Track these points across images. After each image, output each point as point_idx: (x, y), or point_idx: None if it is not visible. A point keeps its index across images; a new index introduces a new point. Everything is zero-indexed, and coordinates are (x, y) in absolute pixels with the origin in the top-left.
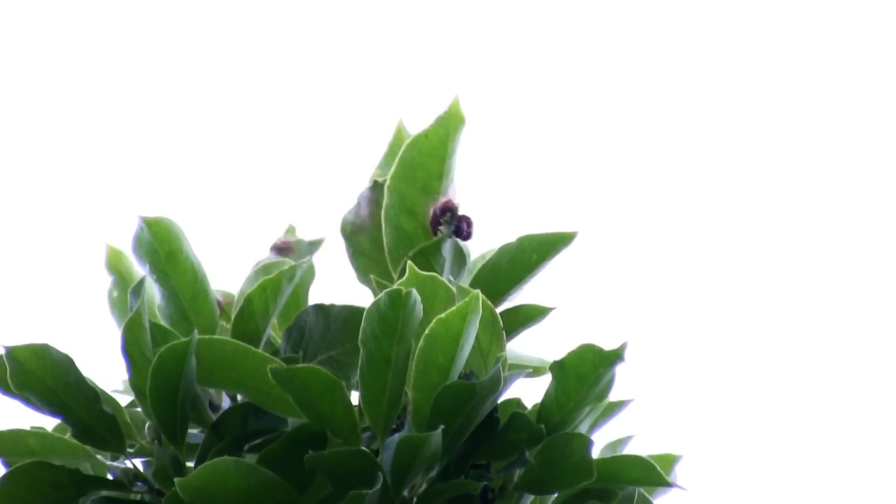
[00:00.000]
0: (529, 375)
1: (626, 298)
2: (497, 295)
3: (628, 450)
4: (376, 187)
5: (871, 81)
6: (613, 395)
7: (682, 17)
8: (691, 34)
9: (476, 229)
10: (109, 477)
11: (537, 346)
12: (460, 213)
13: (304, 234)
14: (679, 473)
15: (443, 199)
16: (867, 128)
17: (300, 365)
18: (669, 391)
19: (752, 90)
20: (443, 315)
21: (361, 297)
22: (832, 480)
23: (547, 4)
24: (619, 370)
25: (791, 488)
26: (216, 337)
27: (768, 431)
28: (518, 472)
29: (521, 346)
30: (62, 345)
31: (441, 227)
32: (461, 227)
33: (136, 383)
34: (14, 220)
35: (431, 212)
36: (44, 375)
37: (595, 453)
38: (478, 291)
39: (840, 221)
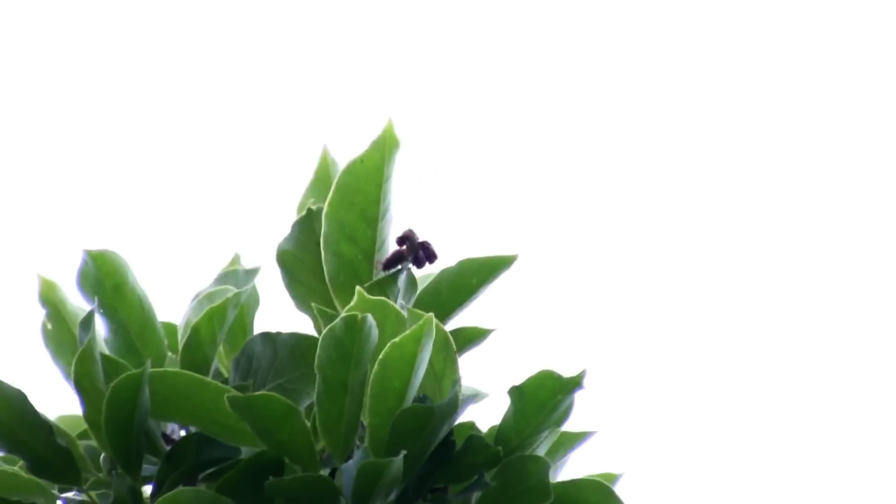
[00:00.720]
0: (480, 399)
1: (572, 319)
2: (439, 318)
3: (568, 467)
4: (310, 215)
5: (872, 81)
6: (575, 425)
7: (640, 16)
8: (650, 34)
9: (437, 259)
10: None
11: (478, 369)
12: (426, 246)
13: (243, 263)
14: (619, 492)
15: (405, 231)
16: (867, 128)
17: (258, 393)
18: (621, 409)
19: (723, 87)
20: (397, 339)
21: (302, 324)
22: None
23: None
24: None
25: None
26: (169, 370)
27: (736, 446)
28: (476, 496)
29: (467, 367)
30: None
31: (393, 267)
32: (419, 256)
33: (89, 416)
34: None
35: (386, 258)
36: None
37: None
38: (431, 314)
39: (826, 225)
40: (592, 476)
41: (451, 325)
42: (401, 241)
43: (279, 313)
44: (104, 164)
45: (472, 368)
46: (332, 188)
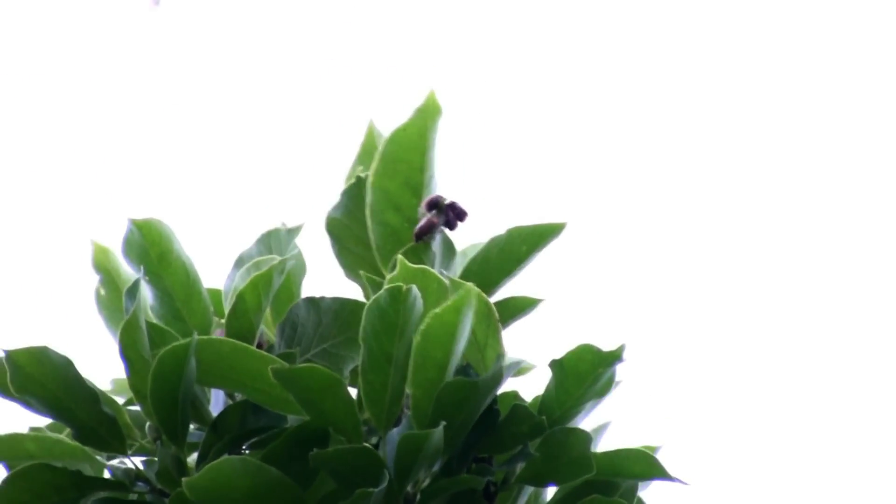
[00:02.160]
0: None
1: (614, 292)
2: (488, 287)
3: (605, 437)
4: (359, 183)
5: (872, 81)
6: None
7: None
8: (675, 26)
9: (467, 216)
10: (111, 479)
11: (526, 339)
12: (455, 206)
13: (284, 223)
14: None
15: (427, 198)
16: (867, 128)
17: (301, 365)
18: (656, 384)
19: (739, 81)
20: (437, 310)
21: (350, 291)
22: (827, 477)
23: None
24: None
25: (786, 483)
26: (214, 337)
27: (758, 427)
28: (520, 465)
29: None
30: (59, 346)
31: (426, 236)
32: (449, 217)
33: (135, 385)
34: (3, 221)
35: (418, 228)
36: (43, 378)
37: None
38: (471, 284)
39: (839, 218)
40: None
41: (500, 295)
42: (430, 206)
43: (329, 281)
44: (155, 132)
45: (520, 337)
46: (377, 157)
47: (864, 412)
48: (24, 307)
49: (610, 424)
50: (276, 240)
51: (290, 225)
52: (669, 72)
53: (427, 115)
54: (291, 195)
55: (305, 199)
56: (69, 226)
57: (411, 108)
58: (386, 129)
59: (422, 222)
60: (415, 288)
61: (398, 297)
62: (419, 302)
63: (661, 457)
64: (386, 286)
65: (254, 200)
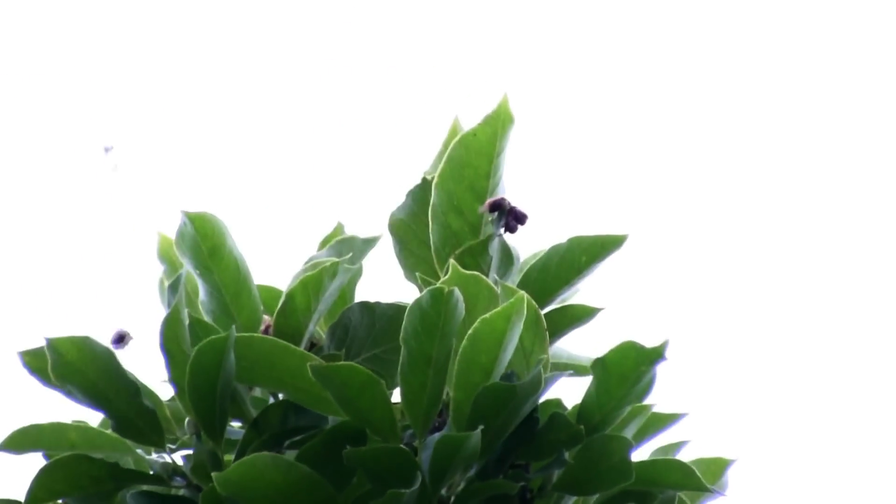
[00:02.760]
0: (578, 375)
1: (674, 301)
2: (546, 295)
3: (681, 456)
4: (425, 185)
5: (872, 81)
6: (667, 406)
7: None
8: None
9: (527, 220)
10: (149, 471)
11: (586, 346)
12: (515, 210)
13: (359, 232)
14: (730, 478)
15: (490, 199)
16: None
17: (340, 363)
18: (716, 394)
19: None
20: (487, 315)
21: (408, 294)
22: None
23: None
24: (666, 373)
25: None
26: (255, 335)
27: (818, 434)
28: (557, 473)
29: (573, 345)
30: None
31: (490, 220)
32: (510, 222)
33: (175, 378)
34: (66, 214)
35: (490, 202)
36: (84, 368)
37: (644, 457)
38: (523, 293)
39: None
40: (703, 459)
41: (558, 302)
42: (492, 208)
43: (385, 283)
44: (223, 127)
45: (584, 346)
46: (444, 159)
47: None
48: (83, 300)
49: (688, 443)
50: (349, 247)
51: (361, 233)
52: (730, 94)
53: (498, 123)
54: (363, 195)
55: (378, 198)
56: (134, 218)
57: (483, 113)
58: (467, 126)
59: (493, 199)
60: (457, 290)
61: (440, 299)
62: (461, 304)
63: (733, 471)
64: (437, 285)
65: (320, 202)
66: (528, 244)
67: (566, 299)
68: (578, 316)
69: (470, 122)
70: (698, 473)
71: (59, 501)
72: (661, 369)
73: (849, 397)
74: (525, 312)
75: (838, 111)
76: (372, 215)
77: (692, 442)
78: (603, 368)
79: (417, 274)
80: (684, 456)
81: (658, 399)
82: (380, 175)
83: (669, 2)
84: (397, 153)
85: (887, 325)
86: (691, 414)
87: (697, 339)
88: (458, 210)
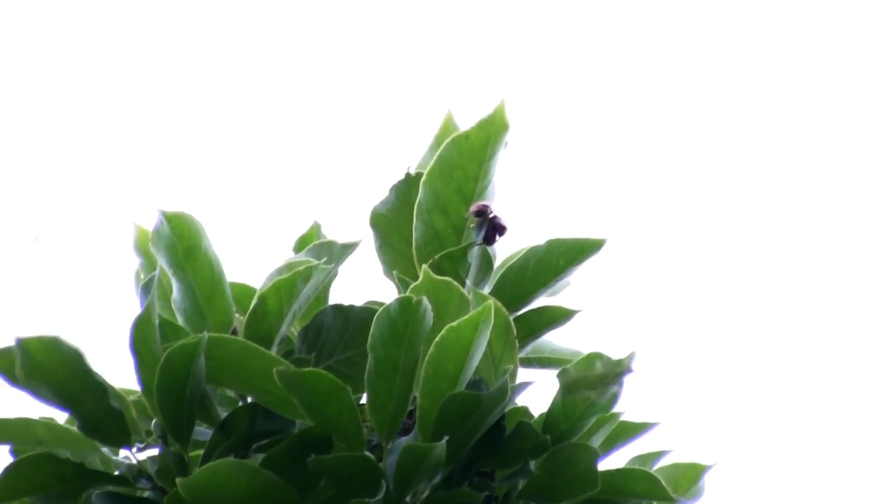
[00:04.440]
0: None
1: (650, 306)
2: (522, 297)
3: (659, 462)
4: (409, 180)
5: (872, 81)
6: (642, 413)
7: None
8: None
9: (507, 232)
10: (115, 472)
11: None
12: (497, 220)
13: (338, 236)
14: (707, 483)
15: (475, 204)
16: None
17: (306, 369)
18: (695, 400)
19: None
20: (454, 323)
21: (384, 291)
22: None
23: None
24: (644, 379)
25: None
26: (225, 336)
27: (797, 439)
28: (522, 481)
29: (557, 338)
30: (73, 337)
31: (472, 227)
32: (489, 233)
33: (143, 380)
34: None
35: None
36: (53, 368)
37: (619, 466)
38: (491, 300)
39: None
40: (679, 464)
41: (535, 304)
42: (477, 213)
43: (361, 278)
44: (201, 125)
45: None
46: (434, 157)
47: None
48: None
49: (669, 453)
50: (327, 251)
51: (340, 237)
52: (720, 104)
53: (492, 128)
54: (345, 189)
55: (359, 192)
56: (109, 215)
57: (478, 117)
58: (463, 123)
59: (478, 204)
60: (425, 299)
61: (408, 308)
62: (429, 313)
63: (709, 477)
64: (405, 294)
65: (298, 201)
66: (508, 244)
67: (556, 291)
68: (556, 317)
69: (460, 119)
70: (664, 483)
71: (25, 499)
72: (637, 376)
73: (826, 401)
74: (493, 320)
75: (824, 125)
76: (352, 212)
77: (672, 451)
78: (569, 378)
79: (395, 273)
80: (662, 462)
81: (635, 406)
82: (362, 171)
83: (654, 16)
84: (378, 148)
85: (861, 330)
86: (669, 419)
87: (679, 344)
88: (444, 210)
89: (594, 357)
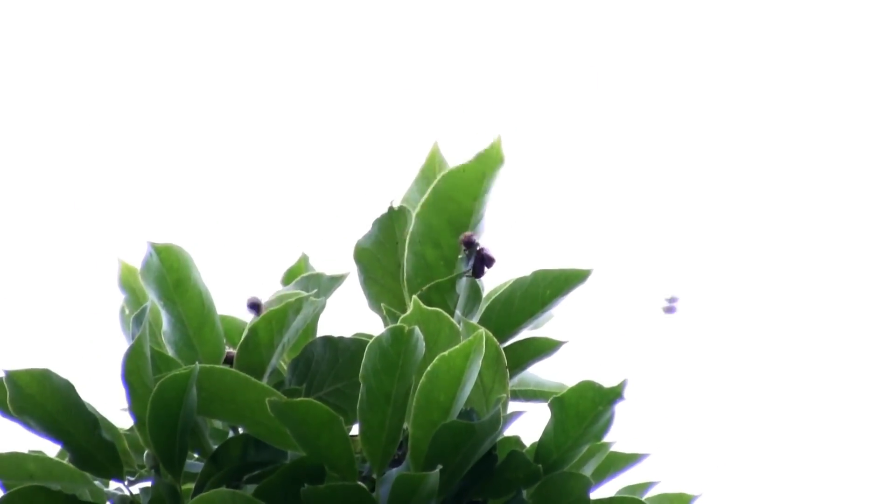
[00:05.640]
0: (544, 400)
1: (640, 334)
2: (509, 328)
3: (648, 493)
4: (391, 213)
5: (872, 81)
6: (630, 445)
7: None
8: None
9: (494, 264)
10: None
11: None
12: (485, 252)
13: (326, 269)
14: None
15: (465, 234)
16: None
17: (299, 399)
18: (684, 431)
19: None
20: (446, 353)
21: (371, 323)
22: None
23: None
24: (634, 411)
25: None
26: (217, 367)
27: (785, 470)
28: None
29: (543, 371)
30: (64, 370)
31: (460, 258)
32: (477, 265)
33: (135, 411)
34: (24, 237)
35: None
36: (43, 400)
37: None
38: (482, 330)
39: (853, 242)
40: (667, 495)
41: (521, 335)
42: (465, 243)
43: (348, 311)
44: (188, 156)
45: (554, 372)
46: (429, 190)
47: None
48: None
49: (657, 483)
50: (316, 284)
51: (328, 269)
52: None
53: (488, 162)
54: (330, 222)
55: (344, 226)
56: (93, 248)
57: (474, 151)
58: (450, 156)
59: (467, 235)
60: (417, 329)
61: (400, 338)
62: (421, 343)
63: None
64: (397, 324)
65: (286, 230)
66: (494, 275)
67: (540, 324)
68: (542, 349)
69: (447, 152)
70: None
71: None
72: (626, 406)
73: (814, 432)
74: (484, 349)
75: (817, 146)
76: (339, 244)
77: (660, 481)
78: (560, 407)
79: (383, 305)
80: (651, 492)
81: (624, 436)
82: (348, 203)
83: (640, 44)
84: (364, 179)
85: (849, 360)
86: (658, 450)
87: (666, 374)
88: (436, 242)
89: (586, 385)
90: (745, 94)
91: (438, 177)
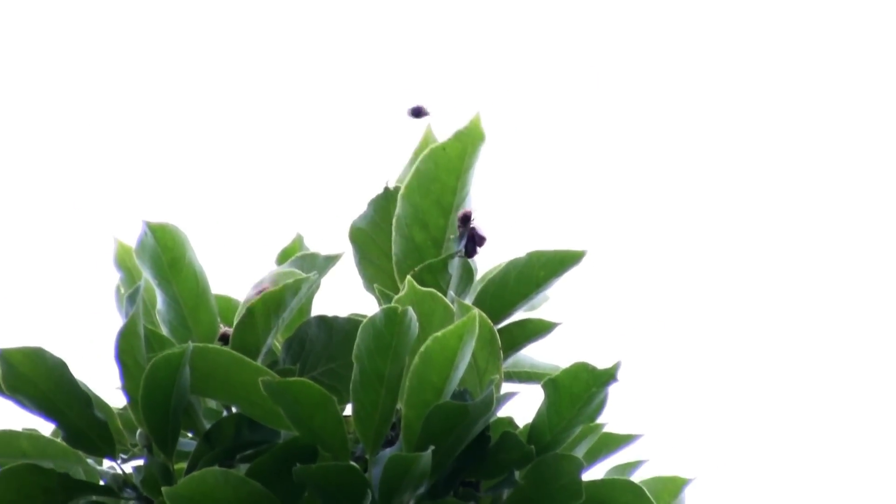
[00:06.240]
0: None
1: (635, 316)
2: (503, 309)
3: (640, 475)
4: (387, 194)
5: (872, 81)
6: (622, 427)
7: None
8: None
9: (486, 242)
10: (100, 482)
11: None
12: (476, 231)
13: (321, 249)
14: (688, 497)
15: (463, 210)
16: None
17: (292, 379)
18: (676, 413)
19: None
20: (439, 334)
21: (365, 304)
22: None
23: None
24: (628, 392)
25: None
26: (211, 346)
27: (779, 454)
28: (507, 492)
29: (538, 353)
30: (57, 348)
31: (452, 238)
32: (468, 246)
33: (128, 390)
34: (21, 218)
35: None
36: (36, 379)
37: (598, 476)
38: (476, 311)
39: (846, 233)
40: (660, 478)
41: (516, 317)
42: (462, 221)
43: (342, 292)
44: (184, 136)
45: (549, 354)
46: (412, 172)
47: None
48: (38, 308)
49: (645, 463)
50: (310, 263)
51: (323, 249)
52: (702, 99)
53: (468, 140)
54: (326, 203)
55: (340, 206)
56: (90, 226)
57: (454, 129)
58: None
59: (464, 210)
60: (410, 310)
61: (394, 318)
62: (415, 324)
63: (690, 490)
64: (391, 305)
65: (283, 210)
66: (488, 258)
67: (536, 305)
68: (536, 330)
69: (440, 133)
70: (648, 494)
71: None
72: (620, 388)
73: (809, 414)
74: (478, 330)
75: (809, 143)
76: (334, 225)
77: (649, 460)
78: (554, 389)
79: (376, 286)
80: (644, 475)
81: (617, 418)
82: (343, 184)
83: (632, 24)
84: (361, 161)
85: (841, 346)
86: (650, 433)
87: (661, 357)
88: (423, 224)
89: (580, 367)
90: (737, 69)
91: (420, 157)
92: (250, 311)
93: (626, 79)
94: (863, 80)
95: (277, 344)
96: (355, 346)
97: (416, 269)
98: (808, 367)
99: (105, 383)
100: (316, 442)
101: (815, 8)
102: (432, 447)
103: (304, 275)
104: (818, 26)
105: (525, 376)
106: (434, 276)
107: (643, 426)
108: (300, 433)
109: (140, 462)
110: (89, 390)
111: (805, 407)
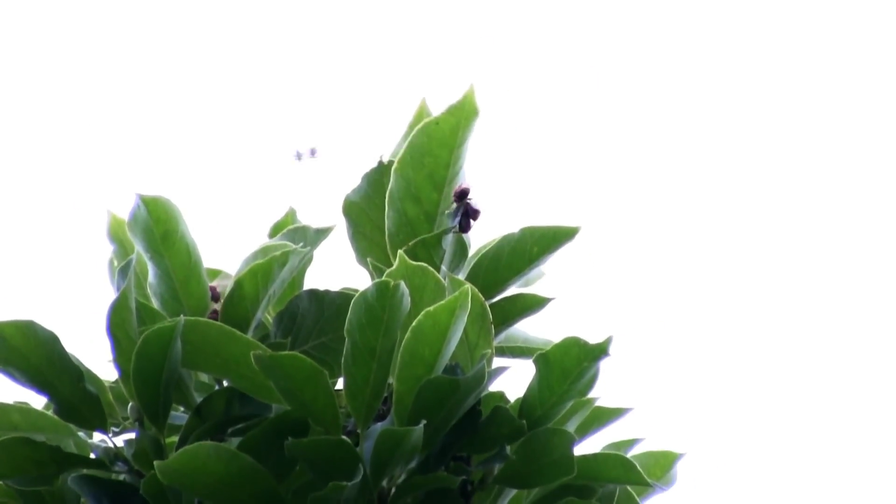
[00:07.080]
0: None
1: (627, 293)
2: (496, 284)
3: (632, 450)
4: (381, 168)
5: (872, 81)
6: (613, 401)
7: (695, 17)
8: (702, 35)
9: (480, 216)
10: (91, 456)
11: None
12: (470, 206)
13: (312, 222)
14: (679, 472)
15: (461, 185)
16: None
17: (283, 352)
18: (670, 388)
19: (756, 91)
20: (431, 308)
21: (358, 278)
22: (832, 479)
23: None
24: (620, 367)
25: (790, 487)
26: (202, 319)
27: (769, 429)
28: (498, 466)
29: (531, 328)
30: (50, 321)
31: (447, 213)
32: (463, 221)
33: (120, 363)
34: (14, 196)
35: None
36: (28, 352)
37: (592, 451)
38: (468, 285)
39: (838, 221)
40: (651, 452)
41: (509, 292)
42: (458, 196)
43: (335, 265)
44: (179, 110)
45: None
46: (405, 145)
47: (864, 415)
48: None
49: (643, 440)
50: (301, 236)
51: (314, 222)
52: (694, 79)
53: (462, 114)
54: (321, 176)
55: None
56: (83, 199)
57: (448, 103)
58: (437, 111)
59: (460, 186)
60: (402, 284)
61: (385, 293)
62: (407, 298)
63: (681, 465)
64: (383, 279)
65: (278, 186)
66: (482, 233)
67: (531, 281)
68: (529, 305)
69: (435, 107)
70: (640, 468)
71: (1, 483)
72: (612, 362)
73: (801, 389)
74: (469, 305)
75: (797, 120)
76: (327, 199)
77: (645, 439)
78: (545, 363)
79: (369, 260)
80: (636, 449)
81: (609, 392)
82: (336, 157)
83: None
84: (353, 134)
85: (834, 321)
86: (642, 407)
87: (654, 333)
88: (416, 198)
89: (571, 341)
90: (729, 51)
91: (413, 131)
92: (239, 284)
93: (621, 54)
94: (863, 80)
95: (269, 317)
96: (347, 321)
97: (409, 243)
98: (799, 342)
99: (97, 357)
100: (307, 416)
101: (815, 8)
102: (424, 421)
103: (292, 246)
104: (818, 26)
105: (518, 351)
106: (428, 251)
107: (636, 401)
108: (291, 407)
109: (131, 435)
110: (81, 364)
111: (796, 382)
